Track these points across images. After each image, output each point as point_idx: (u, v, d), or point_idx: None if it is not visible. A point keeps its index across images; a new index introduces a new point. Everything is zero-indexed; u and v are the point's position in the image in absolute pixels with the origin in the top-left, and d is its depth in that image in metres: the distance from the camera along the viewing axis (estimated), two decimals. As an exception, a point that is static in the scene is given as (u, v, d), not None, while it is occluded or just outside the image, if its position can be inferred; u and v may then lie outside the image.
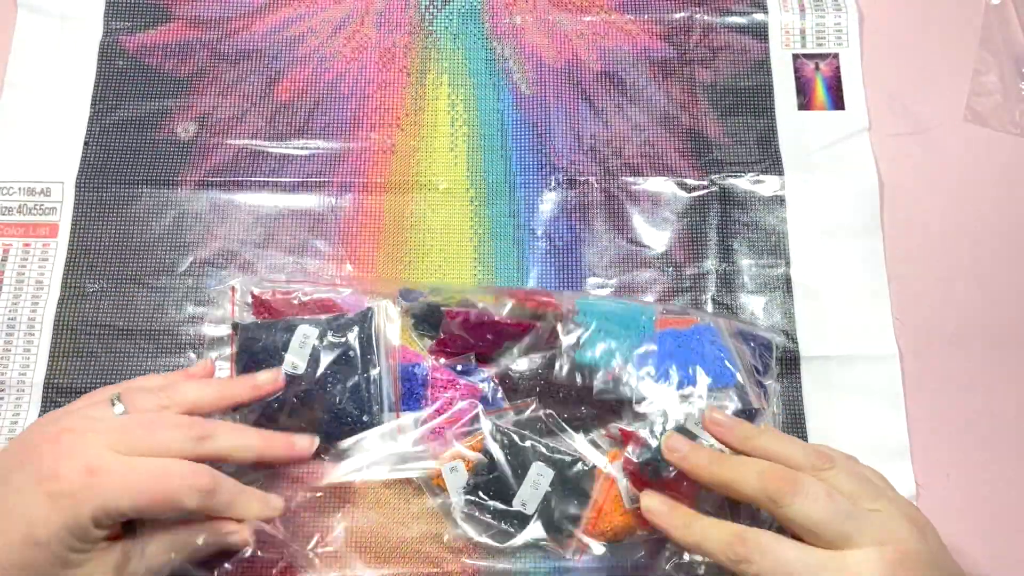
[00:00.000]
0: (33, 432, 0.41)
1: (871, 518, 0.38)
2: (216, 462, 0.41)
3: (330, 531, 0.48)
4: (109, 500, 0.37)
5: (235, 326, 0.49)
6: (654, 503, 0.43)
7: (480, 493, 0.45)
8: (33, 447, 0.39)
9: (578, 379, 0.46)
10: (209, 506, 0.40)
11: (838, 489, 0.39)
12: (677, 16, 0.61)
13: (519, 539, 0.45)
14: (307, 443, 0.45)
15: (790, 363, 0.53)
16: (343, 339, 0.47)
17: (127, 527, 0.40)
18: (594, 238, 0.55)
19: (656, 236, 0.55)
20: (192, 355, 0.52)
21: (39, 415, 0.51)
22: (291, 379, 0.46)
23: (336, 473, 0.46)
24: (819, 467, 0.41)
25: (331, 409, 0.46)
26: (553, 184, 0.56)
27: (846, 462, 0.42)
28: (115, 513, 0.37)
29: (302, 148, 0.57)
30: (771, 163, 0.57)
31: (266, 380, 0.46)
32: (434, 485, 0.47)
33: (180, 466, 0.39)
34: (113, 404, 0.41)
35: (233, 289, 0.50)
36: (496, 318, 0.47)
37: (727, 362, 0.46)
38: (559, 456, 0.46)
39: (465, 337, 0.48)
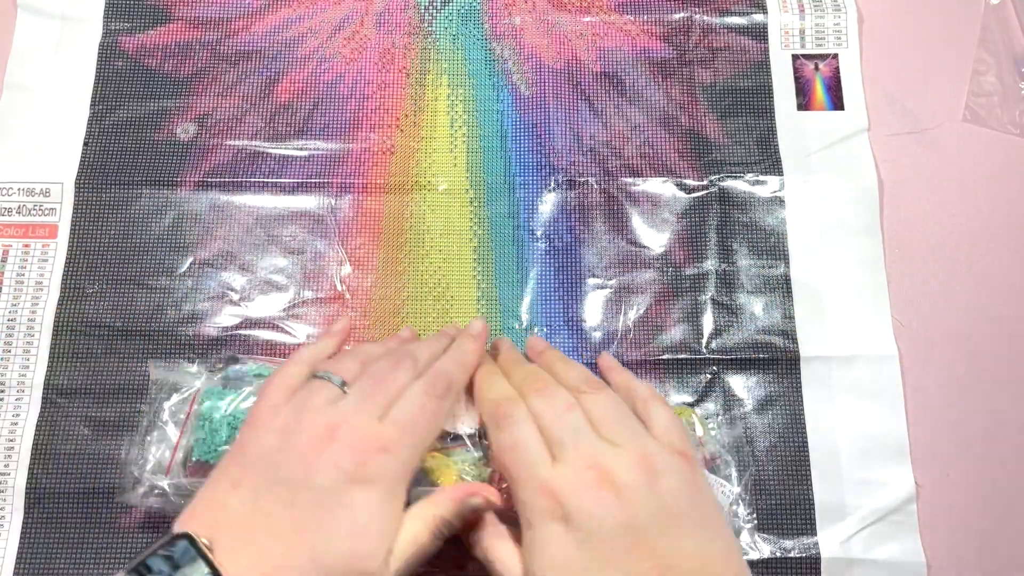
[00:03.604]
0: (296, 435, 0.39)
1: (588, 439, 0.38)
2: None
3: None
4: (406, 460, 0.39)
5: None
6: None
7: None
8: (309, 448, 0.38)
9: None
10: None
11: (588, 412, 0.39)
12: (676, 17, 0.61)
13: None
14: (479, 325, 0.48)
15: (790, 363, 0.53)
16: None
17: None
18: (594, 239, 0.55)
19: (656, 237, 0.55)
20: (192, 355, 0.52)
21: (39, 416, 0.51)
22: None
23: None
24: (583, 389, 0.41)
25: None
26: (552, 185, 0.56)
27: (613, 393, 0.42)
28: (414, 466, 0.40)
29: (301, 149, 0.57)
30: (771, 164, 0.57)
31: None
32: None
33: (423, 400, 0.41)
34: (344, 389, 0.41)
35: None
36: None
37: None
38: None
39: None
